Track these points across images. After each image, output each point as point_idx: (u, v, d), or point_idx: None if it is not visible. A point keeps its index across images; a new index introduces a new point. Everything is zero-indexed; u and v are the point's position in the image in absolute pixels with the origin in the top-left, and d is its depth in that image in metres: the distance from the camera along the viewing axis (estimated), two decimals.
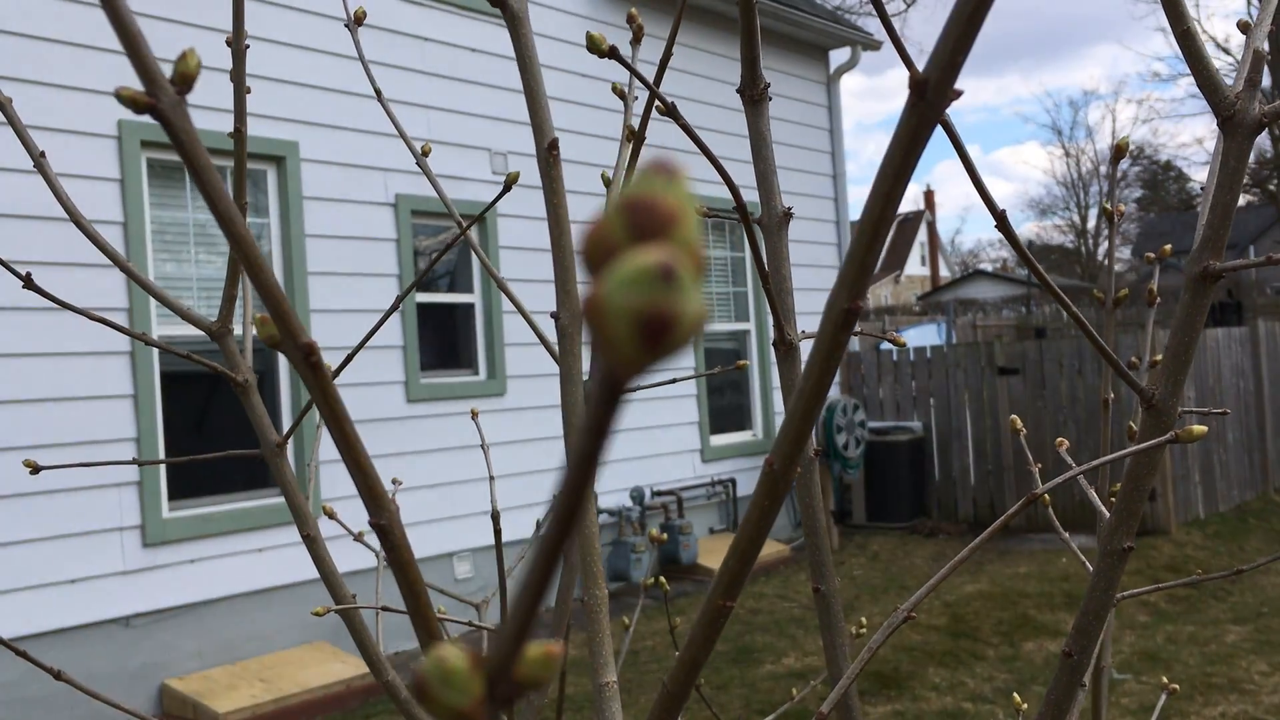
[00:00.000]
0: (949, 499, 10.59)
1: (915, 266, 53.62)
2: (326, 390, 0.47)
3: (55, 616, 5.60)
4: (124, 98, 0.43)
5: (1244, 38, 0.89)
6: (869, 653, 0.80)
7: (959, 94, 0.46)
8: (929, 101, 0.44)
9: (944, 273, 54.35)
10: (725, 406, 9.97)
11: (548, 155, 0.88)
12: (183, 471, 6.23)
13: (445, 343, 7.81)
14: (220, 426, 6.44)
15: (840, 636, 0.98)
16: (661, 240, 0.21)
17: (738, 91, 1.00)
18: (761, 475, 0.52)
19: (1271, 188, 34.01)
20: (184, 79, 0.44)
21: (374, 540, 1.65)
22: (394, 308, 1.21)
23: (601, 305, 0.20)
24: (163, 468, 6.10)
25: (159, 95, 0.43)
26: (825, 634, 0.99)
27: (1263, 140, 32.78)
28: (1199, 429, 0.75)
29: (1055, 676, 0.90)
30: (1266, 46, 0.87)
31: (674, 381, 1.42)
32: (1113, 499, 0.93)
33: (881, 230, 0.48)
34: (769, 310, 0.97)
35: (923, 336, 18.72)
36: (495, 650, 0.22)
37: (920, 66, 0.47)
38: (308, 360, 0.46)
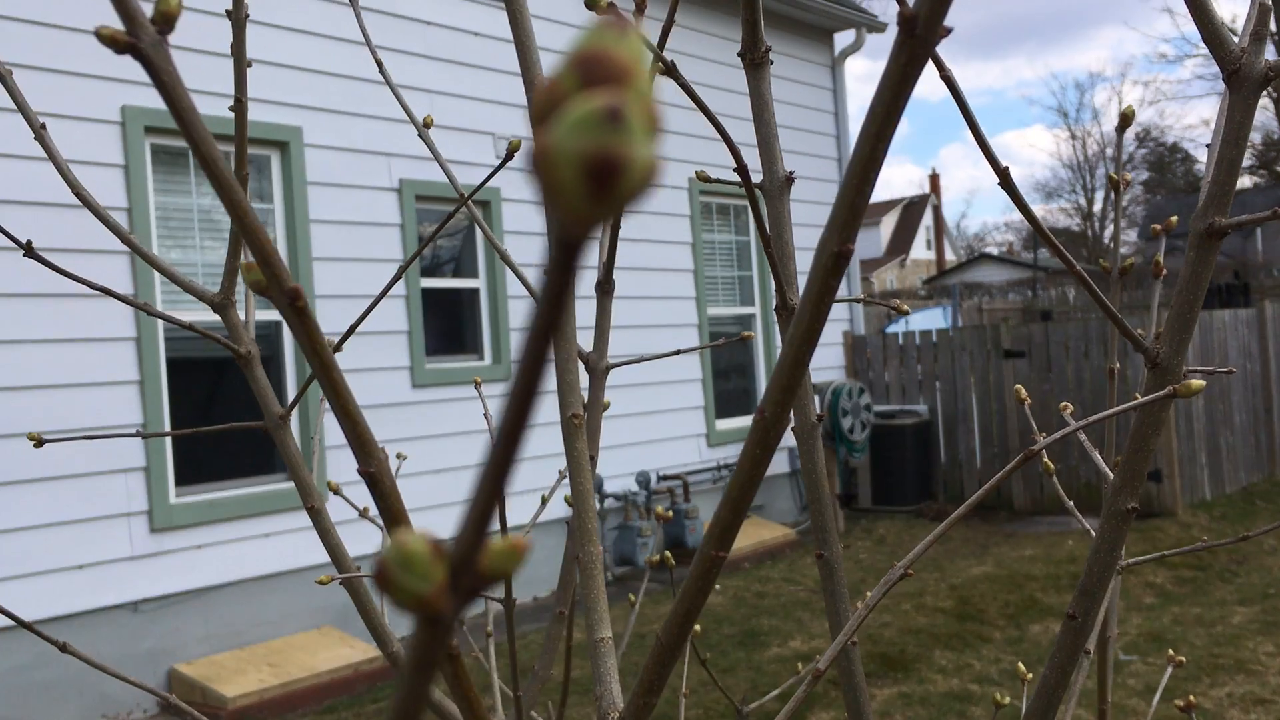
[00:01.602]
0: (955, 482, 10.58)
1: (920, 250, 53.55)
2: (313, 335, 0.47)
3: (63, 601, 5.62)
4: (104, 36, 0.43)
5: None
6: (868, 609, 0.80)
7: (949, 31, 0.45)
8: (919, 37, 0.44)
9: (949, 257, 54.29)
10: (730, 391, 9.96)
11: None
12: (190, 457, 6.25)
13: (450, 328, 7.81)
14: (227, 411, 6.45)
15: (842, 602, 0.98)
16: (613, 89, 0.20)
17: (739, 55, 0.99)
18: (753, 423, 0.51)
19: (1279, 168, 33.85)
20: (165, 18, 0.44)
21: (379, 518, 1.64)
22: (396, 278, 1.20)
23: (547, 152, 0.20)
24: (170, 455, 6.11)
25: (140, 35, 0.43)
26: (828, 600, 0.98)
27: (1269, 122, 32.63)
28: (1197, 383, 0.75)
29: (1058, 639, 0.89)
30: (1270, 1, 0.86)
31: (678, 353, 1.42)
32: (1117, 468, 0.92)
33: (871, 171, 0.47)
34: (773, 291, 0.97)
35: (928, 320, 18.67)
36: (458, 539, 0.22)
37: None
38: (293, 305, 0.45)
